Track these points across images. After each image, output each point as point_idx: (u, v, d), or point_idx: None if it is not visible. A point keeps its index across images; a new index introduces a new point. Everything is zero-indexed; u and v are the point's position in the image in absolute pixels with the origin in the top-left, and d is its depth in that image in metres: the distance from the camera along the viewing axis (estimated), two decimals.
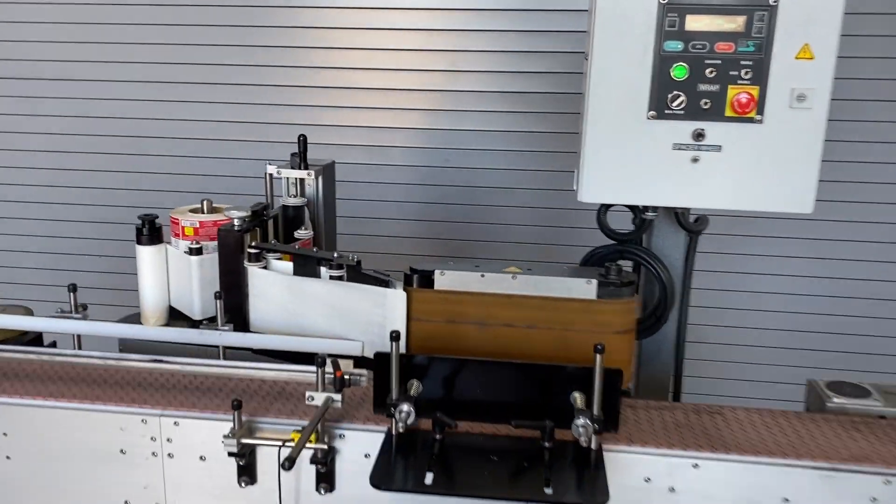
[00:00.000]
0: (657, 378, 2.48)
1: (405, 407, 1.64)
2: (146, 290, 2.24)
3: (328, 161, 2.85)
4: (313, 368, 1.67)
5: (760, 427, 1.81)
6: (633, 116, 2.04)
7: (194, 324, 2.20)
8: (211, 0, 3.99)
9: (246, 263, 2.09)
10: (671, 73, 1.99)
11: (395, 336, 1.63)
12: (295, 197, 2.62)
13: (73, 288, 2.10)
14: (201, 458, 1.79)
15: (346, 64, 4.00)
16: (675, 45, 1.98)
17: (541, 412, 1.73)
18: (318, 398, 1.67)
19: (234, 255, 2.12)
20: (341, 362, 1.91)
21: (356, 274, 1.97)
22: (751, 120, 2.00)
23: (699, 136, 2.02)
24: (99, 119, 4.22)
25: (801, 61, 1.96)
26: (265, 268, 2.11)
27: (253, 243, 2.09)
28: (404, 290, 1.93)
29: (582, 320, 1.90)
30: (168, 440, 1.79)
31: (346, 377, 1.74)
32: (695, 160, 2.05)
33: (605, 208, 2.30)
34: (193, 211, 2.47)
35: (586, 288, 1.89)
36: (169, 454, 1.80)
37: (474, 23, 3.89)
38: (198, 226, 2.36)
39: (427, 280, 1.93)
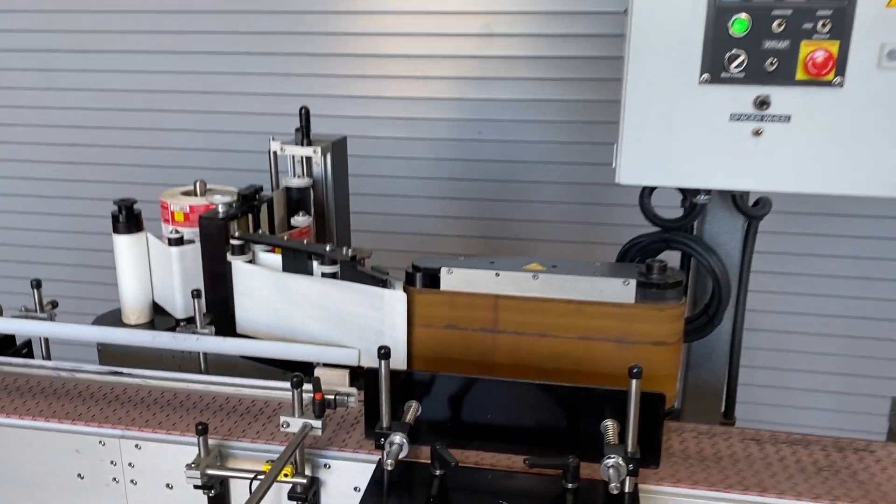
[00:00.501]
0: (707, 388, 2.15)
1: (397, 439, 1.35)
2: (125, 285, 2.00)
3: (338, 136, 2.57)
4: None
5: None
6: (683, 82, 1.70)
7: (175, 324, 1.95)
8: None
9: (229, 257, 1.82)
10: (729, 28, 1.64)
11: (384, 353, 1.34)
12: (299, 177, 2.35)
13: (36, 284, 1.86)
14: (168, 486, 1.54)
15: (369, 30, 3.68)
16: None
17: (565, 442, 1.44)
18: (295, 424, 1.39)
19: (217, 247, 1.85)
20: (333, 375, 1.64)
21: (352, 271, 1.69)
22: (828, 84, 1.64)
23: (763, 104, 1.67)
24: (77, 92, 3.94)
25: (895, 9, 1.59)
26: (251, 262, 1.84)
27: (236, 233, 1.82)
28: (405, 290, 1.64)
29: (617, 329, 1.58)
30: (130, 465, 1.54)
31: (332, 397, 1.46)
32: (757, 133, 1.70)
33: (648, 190, 1.97)
34: (186, 193, 2.21)
35: (622, 290, 1.57)
36: (132, 481, 1.55)
37: None
38: (188, 210, 2.10)
39: (432, 279, 1.64)
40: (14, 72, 3.98)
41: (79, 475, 1.57)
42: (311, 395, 1.39)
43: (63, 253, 4.18)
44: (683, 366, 2.19)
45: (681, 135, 1.73)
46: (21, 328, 1.80)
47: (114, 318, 2.08)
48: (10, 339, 1.97)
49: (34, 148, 4.07)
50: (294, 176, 2.36)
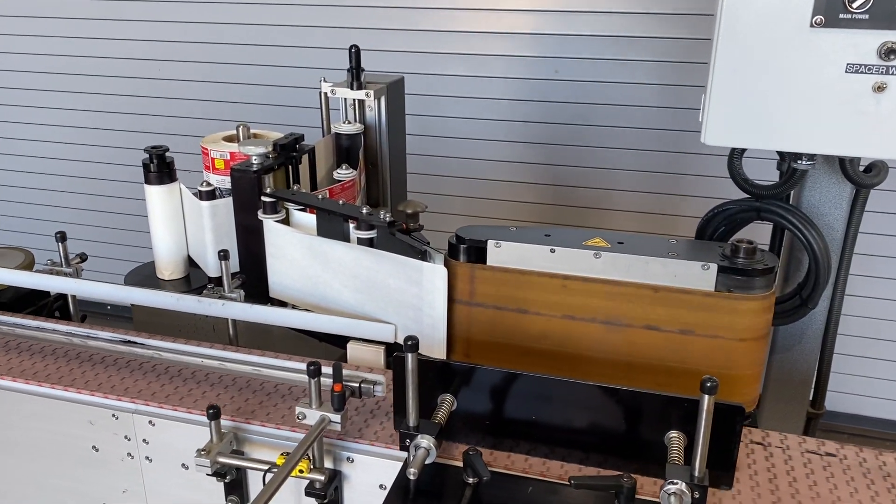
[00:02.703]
0: (794, 375, 1.90)
1: (424, 443, 1.18)
2: (157, 239, 1.87)
3: (395, 77, 2.35)
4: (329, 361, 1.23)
5: None
6: (790, 23, 1.41)
7: (208, 282, 1.82)
8: None
9: (260, 215, 1.66)
10: None
11: (410, 345, 1.16)
12: (349, 123, 2.15)
13: (61, 237, 1.74)
14: (184, 466, 1.42)
15: None
16: None
17: (622, 451, 1.24)
18: (312, 417, 1.24)
19: (250, 203, 1.69)
20: (367, 351, 1.48)
21: (389, 238, 1.50)
22: None
23: (891, 53, 1.37)
24: (114, 41, 3.80)
25: None
26: (285, 221, 1.67)
27: (268, 189, 1.65)
28: (447, 263, 1.45)
29: (693, 320, 1.35)
30: (144, 441, 1.43)
31: (357, 385, 1.30)
32: (880, 88, 1.40)
33: (740, 150, 1.70)
34: (228, 139, 2.06)
35: (702, 275, 1.33)
36: (147, 457, 1.44)
37: None
38: (229, 158, 1.95)
39: (478, 252, 1.43)
40: (38, 19, 3.89)
41: (94, 447, 1.47)
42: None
43: (100, 200, 4.16)
44: (768, 350, 1.94)
45: (784, 89, 1.44)
46: (39, 282, 1.70)
47: (150, 270, 1.97)
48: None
49: (62, 96, 4.01)
50: (344, 121, 2.17)
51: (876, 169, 1.67)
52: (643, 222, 3.47)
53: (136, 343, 1.46)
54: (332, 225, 1.58)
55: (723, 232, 1.80)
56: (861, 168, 1.68)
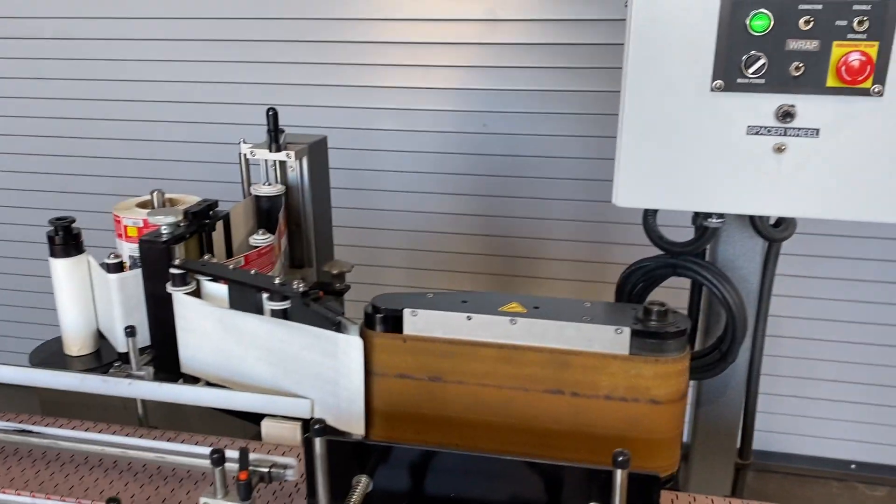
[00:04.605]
0: (720, 426, 1.91)
1: None
2: (64, 314, 1.79)
3: (317, 137, 2.34)
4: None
5: None
6: (692, 88, 1.45)
7: (117, 358, 1.75)
8: None
9: (169, 287, 1.60)
10: (748, 25, 1.38)
11: (317, 429, 1.11)
12: (268, 184, 2.12)
13: None
14: None
15: (366, 14, 3.42)
16: None
17: None
18: None
19: (159, 275, 1.63)
20: (282, 428, 1.42)
21: (303, 310, 1.46)
22: (865, 92, 1.38)
23: (787, 115, 1.41)
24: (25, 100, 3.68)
25: None
26: (196, 293, 1.62)
27: (177, 260, 1.60)
28: (363, 334, 1.41)
29: (609, 385, 1.34)
30: None
31: (266, 470, 1.24)
32: (779, 149, 1.44)
33: (653, 210, 1.72)
34: (143, 205, 2.00)
35: (615, 339, 1.33)
36: None
37: None
38: (142, 225, 1.89)
39: (395, 322, 1.41)
40: None
41: None
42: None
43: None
44: (693, 403, 1.95)
45: (690, 151, 1.48)
46: None
47: (57, 346, 1.88)
48: None
49: None
50: (264, 183, 2.14)
51: (785, 223, 1.72)
52: (576, 270, 3.51)
53: (31, 432, 1.38)
54: (244, 296, 1.54)
55: (641, 288, 1.82)
56: (771, 223, 1.72)
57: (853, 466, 3.36)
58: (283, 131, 2.19)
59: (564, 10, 3.24)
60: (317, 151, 2.28)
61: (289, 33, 3.47)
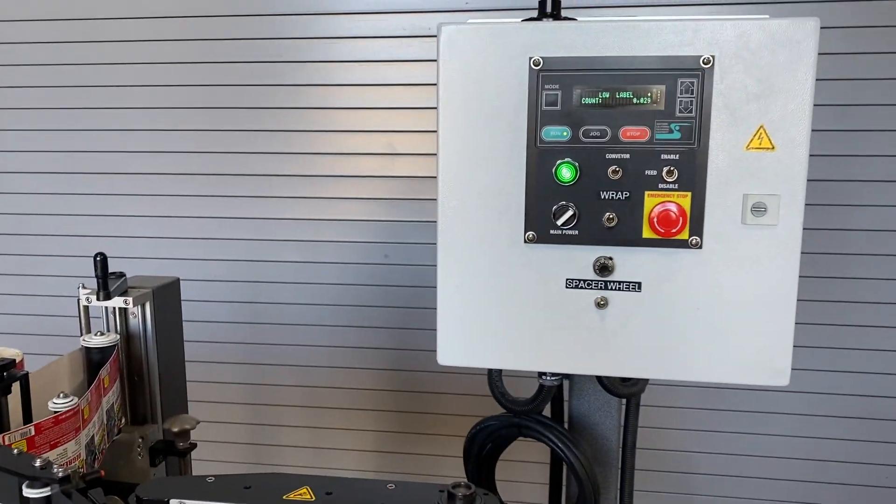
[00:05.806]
0: None
1: None
2: None
3: (168, 279, 2.19)
4: None
5: None
6: (504, 239, 1.34)
7: None
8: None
9: None
10: (554, 175, 1.29)
11: None
12: (100, 334, 1.95)
13: None
14: None
15: (266, 149, 3.37)
16: (558, 133, 1.28)
17: None
18: None
19: None
20: None
21: (63, 501, 1.26)
22: (683, 244, 1.28)
23: (604, 269, 1.30)
24: None
25: (756, 153, 1.24)
26: None
27: None
28: None
29: None
30: None
31: None
32: (601, 304, 1.32)
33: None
34: None
35: None
36: None
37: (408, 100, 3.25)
38: None
39: None
40: None
41: None
42: None
43: None
44: None
45: (507, 306, 1.35)
46: None
47: None
48: None
49: None
50: (96, 333, 1.96)
51: (633, 378, 1.59)
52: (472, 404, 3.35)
53: None
54: (5, 482, 1.33)
55: (490, 449, 1.66)
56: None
57: None
58: (123, 275, 2.04)
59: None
60: (165, 296, 2.13)
61: (185, 167, 3.40)
